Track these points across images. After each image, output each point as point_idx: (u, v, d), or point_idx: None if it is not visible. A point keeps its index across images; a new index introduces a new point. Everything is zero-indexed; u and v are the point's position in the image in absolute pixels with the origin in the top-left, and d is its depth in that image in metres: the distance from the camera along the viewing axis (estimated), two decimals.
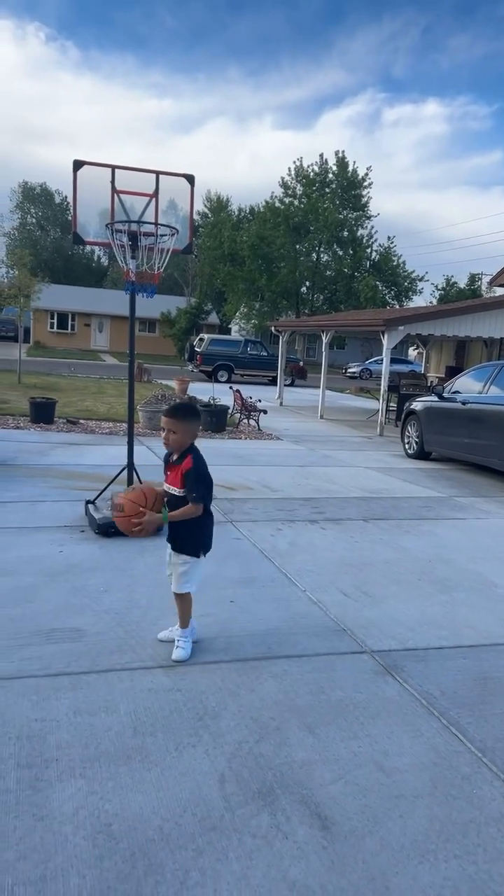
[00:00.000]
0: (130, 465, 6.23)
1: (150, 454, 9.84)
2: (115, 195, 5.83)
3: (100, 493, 6.54)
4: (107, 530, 5.94)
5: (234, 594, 4.77)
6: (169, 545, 3.86)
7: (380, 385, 15.69)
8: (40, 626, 4.04)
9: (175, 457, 3.75)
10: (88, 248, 69.69)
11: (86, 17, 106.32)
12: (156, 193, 5.95)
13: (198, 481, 3.63)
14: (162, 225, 5.65)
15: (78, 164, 5.74)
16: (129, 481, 6.20)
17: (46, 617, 4.19)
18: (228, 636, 4.06)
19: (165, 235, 5.65)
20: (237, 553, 5.72)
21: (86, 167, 5.80)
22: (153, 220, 5.81)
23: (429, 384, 17.95)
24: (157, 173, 5.96)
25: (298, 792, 2.68)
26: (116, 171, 5.86)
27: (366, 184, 42.24)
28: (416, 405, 11.74)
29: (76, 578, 4.88)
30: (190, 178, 6.06)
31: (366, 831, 2.49)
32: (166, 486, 3.78)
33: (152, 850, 2.32)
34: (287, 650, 3.94)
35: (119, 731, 3.02)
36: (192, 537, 3.76)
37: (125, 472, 6.39)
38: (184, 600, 3.84)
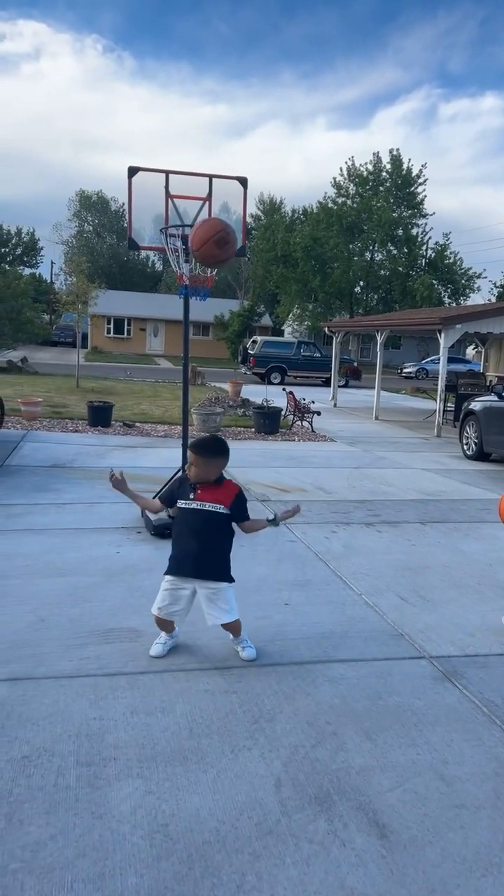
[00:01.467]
0: (184, 467, 6.27)
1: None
2: (169, 200, 5.90)
3: (156, 495, 6.59)
4: (163, 532, 6.00)
5: (288, 597, 4.74)
6: (182, 581, 3.73)
7: (436, 385, 15.40)
8: (98, 626, 4.10)
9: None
10: (143, 253, 70.80)
11: (141, 27, 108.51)
12: (209, 197, 5.99)
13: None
14: None
15: (133, 171, 5.83)
16: None
17: (104, 617, 4.25)
18: (283, 639, 4.04)
19: None
20: (291, 555, 5.69)
21: (140, 173, 5.87)
22: None
23: (488, 383, 17.53)
24: (210, 177, 6.00)
25: (356, 798, 2.64)
26: (170, 176, 5.92)
27: (420, 180, 41.59)
28: (476, 405, 11.47)
29: (133, 579, 4.94)
30: (243, 181, 6.07)
31: (426, 841, 2.43)
32: (207, 505, 3.62)
33: (209, 852, 2.32)
34: (343, 654, 3.89)
35: (175, 731, 3.04)
36: (226, 561, 3.75)
37: (179, 473, 6.43)
38: (234, 626, 3.76)
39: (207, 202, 5.96)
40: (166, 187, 5.89)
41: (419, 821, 2.54)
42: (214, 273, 5.66)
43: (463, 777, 2.81)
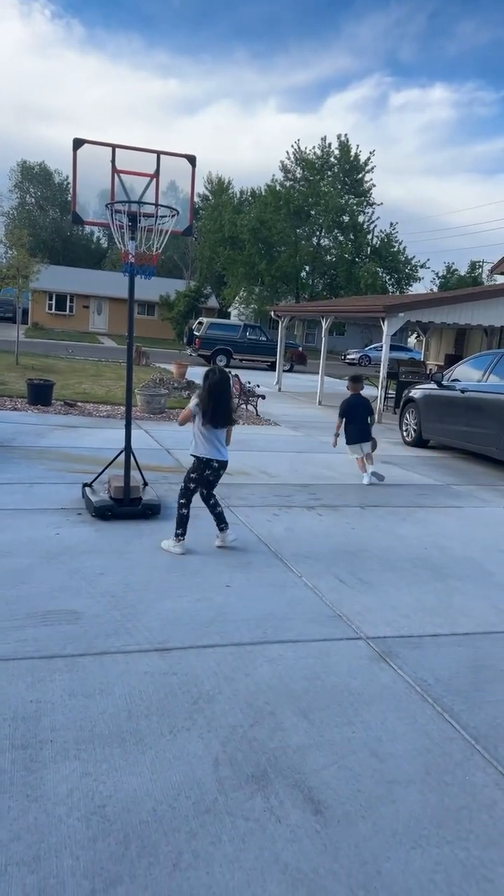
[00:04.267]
0: (128, 449, 6.21)
1: (149, 438, 9.82)
2: (116, 175, 5.76)
3: (97, 476, 6.52)
4: (104, 513, 5.93)
5: (230, 579, 4.77)
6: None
7: (379, 372, 15.64)
8: (36, 608, 4.04)
9: None
10: (88, 229, 69.13)
11: None
12: (156, 174, 5.88)
13: None
14: (162, 206, 5.59)
15: (78, 143, 5.66)
16: (127, 465, 6.18)
17: (42, 599, 4.19)
18: (224, 621, 4.07)
19: (166, 217, 5.59)
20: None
21: (86, 146, 5.71)
22: (153, 201, 5.74)
23: (428, 372, 17.91)
24: (159, 153, 5.88)
25: (292, 776, 2.69)
26: (117, 150, 5.78)
27: (368, 168, 41.89)
28: (415, 393, 11.72)
29: (72, 561, 4.88)
30: (191, 159, 5.98)
31: (358, 816, 2.51)
32: None
33: (146, 832, 2.33)
34: (282, 635, 3.94)
35: (114, 713, 3.03)
36: None
37: (122, 455, 6.36)
38: None
39: (155, 179, 5.85)
40: (113, 161, 5.75)
41: (352, 796, 2.61)
42: (160, 251, 5.58)
43: (396, 754, 2.90)
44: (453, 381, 10.78)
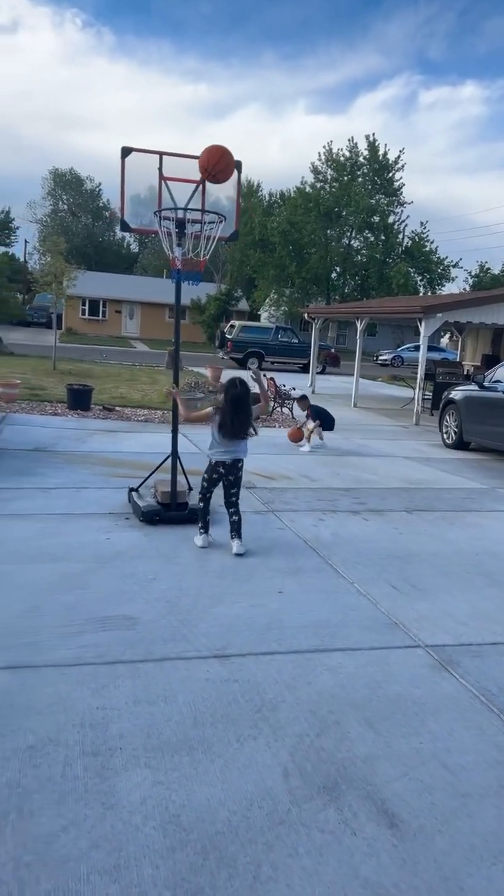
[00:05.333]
0: (175, 454, 6.23)
1: (187, 442, 9.85)
2: (163, 182, 5.80)
3: (143, 481, 6.56)
4: (151, 518, 5.97)
5: (281, 584, 4.75)
6: None
7: (413, 373, 15.52)
8: (94, 613, 4.07)
9: None
10: (119, 234, 69.80)
11: (122, 2, 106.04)
12: (203, 180, 5.89)
13: None
14: (210, 212, 5.60)
15: (126, 151, 5.71)
16: (174, 470, 6.20)
17: (99, 604, 4.22)
18: (280, 627, 4.05)
19: (213, 223, 5.61)
20: (281, 543, 5.70)
21: (134, 154, 5.76)
22: (200, 207, 5.76)
23: (465, 372, 17.71)
24: None
25: (363, 787, 2.67)
26: (164, 157, 5.81)
27: (398, 167, 41.56)
28: (456, 394, 11.58)
29: (124, 566, 4.91)
30: (237, 165, 5.98)
31: (435, 830, 2.47)
32: None
33: (222, 842, 2.33)
34: (340, 643, 3.92)
35: (179, 721, 3.03)
36: None
37: (168, 460, 6.39)
38: None
39: (201, 185, 5.87)
40: (160, 169, 5.79)
41: (427, 809, 2.57)
42: (206, 257, 5.59)
43: (466, 766, 2.85)
44: (495, 382, 10.63)
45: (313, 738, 2.97)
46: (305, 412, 11.15)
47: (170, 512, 6.06)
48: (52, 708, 3.05)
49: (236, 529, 5.40)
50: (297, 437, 10.74)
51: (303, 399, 11.49)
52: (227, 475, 5.40)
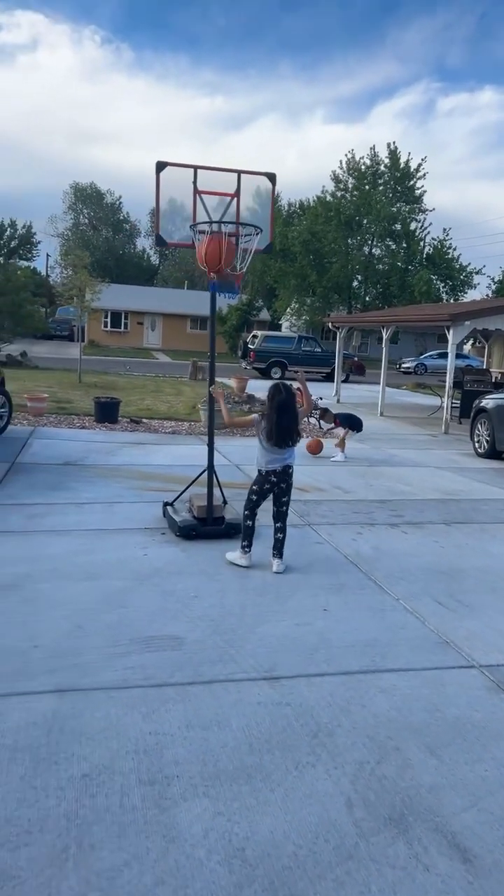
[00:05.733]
0: (211, 468, 6.17)
1: (219, 455, 9.79)
2: (197, 196, 5.77)
3: (178, 496, 6.51)
4: (188, 533, 5.91)
5: (326, 602, 4.66)
6: None
7: (439, 381, 15.35)
8: (138, 633, 4.01)
9: None
10: (139, 246, 70.44)
11: (140, 19, 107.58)
12: (237, 193, 5.87)
13: None
14: (246, 224, 5.56)
15: (161, 166, 5.70)
16: (210, 484, 6.14)
17: (142, 623, 4.16)
18: (328, 647, 3.96)
19: (249, 235, 5.57)
20: (321, 558, 5.61)
21: (168, 168, 5.75)
22: (235, 220, 5.73)
23: (494, 380, 17.49)
24: (239, 172, 5.88)
25: (431, 819, 2.56)
26: (198, 171, 5.79)
27: (419, 174, 41.43)
28: (488, 402, 11.41)
29: (165, 583, 4.85)
30: (271, 177, 5.96)
31: None
32: None
33: (290, 879, 2.24)
34: (391, 663, 3.81)
35: (234, 747, 2.95)
36: None
37: (205, 474, 6.34)
38: None
39: (236, 198, 5.85)
40: (194, 183, 5.77)
41: (501, 843, 2.46)
42: (244, 270, 5.55)
43: None
44: None
45: (374, 766, 2.87)
46: (332, 423, 11.04)
47: (206, 527, 6.00)
48: (104, 734, 2.99)
49: (279, 548, 5.26)
50: (316, 448, 10.58)
51: (325, 412, 11.34)
52: (279, 483, 5.25)
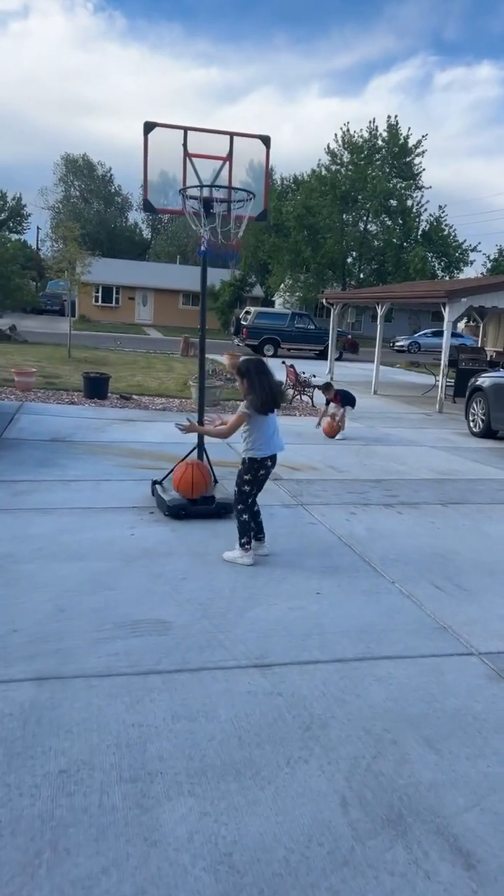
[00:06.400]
0: (200, 446, 5.98)
1: None
2: (187, 159, 5.50)
3: (168, 473, 6.30)
4: (178, 512, 5.72)
5: (319, 585, 4.49)
6: None
7: (433, 359, 15.14)
8: (124, 617, 3.83)
9: None
10: (131, 220, 69.33)
11: None
12: (230, 157, 5.60)
13: None
14: (238, 189, 5.30)
15: (149, 126, 5.41)
16: (200, 461, 5.95)
17: (128, 606, 3.98)
18: (322, 633, 3.80)
19: (241, 201, 5.31)
20: (314, 539, 5.44)
21: (156, 129, 5.46)
22: (228, 185, 5.46)
23: (489, 358, 17.29)
24: (232, 134, 5.60)
25: (431, 820, 2.41)
26: (188, 133, 5.51)
27: (418, 151, 40.76)
28: (484, 381, 11.22)
29: (153, 564, 4.67)
30: (265, 140, 5.68)
31: None
32: None
33: (282, 887, 2.08)
34: (387, 650, 3.65)
35: (223, 740, 2.79)
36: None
37: (195, 452, 6.14)
38: None
39: (228, 162, 5.57)
40: (184, 145, 5.49)
41: None
42: (239, 236, 5.30)
43: None
44: None
45: (370, 761, 2.71)
46: (330, 399, 10.71)
47: (196, 506, 5.81)
48: (83, 725, 2.82)
49: (262, 528, 5.05)
50: (333, 431, 10.28)
51: (328, 387, 10.93)
52: (271, 468, 4.91)
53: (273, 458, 4.87)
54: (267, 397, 4.70)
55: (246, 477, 4.84)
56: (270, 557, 4.93)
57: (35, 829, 2.24)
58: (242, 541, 4.84)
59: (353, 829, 2.34)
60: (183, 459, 6.26)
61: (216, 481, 6.29)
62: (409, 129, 40.67)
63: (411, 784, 2.59)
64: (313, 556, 5.02)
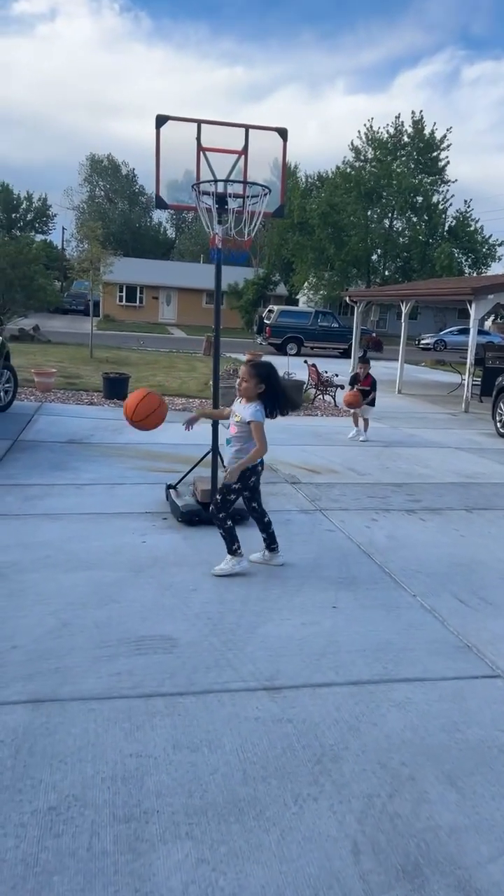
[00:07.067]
0: (215, 450, 5.79)
1: (223, 432, 9.40)
2: (201, 153, 5.31)
3: (182, 478, 6.14)
4: (191, 519, 5.54)
5: (335, 598, 4.27)
6: None
7: (458, 357, 14.78)
8: (128, 633, 3.66)
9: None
10: (156, 219, 69.54)
11: None
12: (245, 150, 5.39)
13: None
14: (253, 184, 5.10)
15: (161, 120, 5.23)
16: (214, 466, 5.76)
17: (134, 621, 3.80)
18: (336, 652, 3.58)
19: (257, 196, 5.10)
20: (332, 548, 5.22)
21: (170, 123, 5.27)
22: (242, 180, 5.26)
23: None
24: (247, 127, 5.39)
25: (452, 872, 2.19)
26: (203, 126, 5.31)
27: (444, 146, 40.13)
28: None
29: (162, 574, 4.49)
30: (283, 133, 5.47)
31: None
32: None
33: None
34: (406, 671, 3.43)
35: (226, 773, 2.59)
36: None
37: (208, 455, 5.96)
38: None
39: (243, 156, 5.37)
40: (198, 139, 5.30)
41: None
42: (252, 234, 5.10)
43: None
44: None
45: (385, 801, 2.49)
46: (361, 378, 10.06)
47: (210, 512, 5.62)
48: (78, 755, 2.64)
49: (275, 538, 4.78)
50: (354, 401, 9.75)
51: (364, 361, 10.47)
52: (261, 473, 4.70)
53: (262, 462, 4.66)
54: (284, 402, 4.55)
55: (235, 486, 4.51)
56: (285, 568, 4.73)
57: (17, 877, 2.07)
58: (234, 546, 4.55)
59: (365, 881, 2.13)
60: (198, 462, 6.09)
61: None
62: (434, 123, 40.03)
63: (430, 828, 2.37)
64: (330, 566, 4.80)
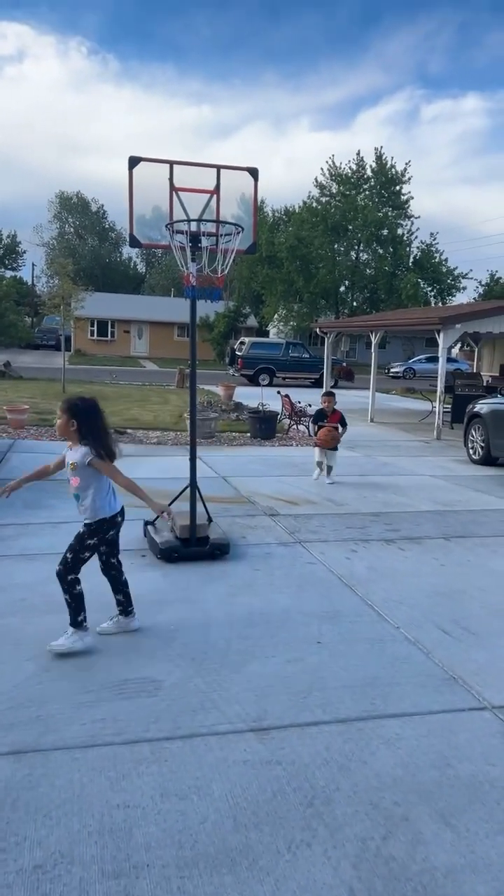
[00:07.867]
0: (193, 484, 5.76)
1: (202, 465, 9.38)
2: (174, 193, 5.37)
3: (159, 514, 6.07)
4: (170, 555, 5.49)
5: (319, 632, 4.25)
6: None
7: (427, 385, 15.03)
8: (111, 676, 3.58)
9: None
10: (126, 254, 70.04)
11: (126, 30, 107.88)
12: (217, 190, 5.48)
13: None
14: (226, 223, 5.17)
15: (134, 161, 5.30)
16: (193, 502, 5.73)
17: (116, 664, 3.73)
18: (323, 689, 3.54)
19: (230, 234, 5.17)
20: (313, 580, 5.20)
21: (142, 164, 5.35)
22: (215, 219, 5.33)
23: (486, 384, 17.18)
24: (219, 167, 5.48)
25: None
26: (175, 167, 5.40)
27: (405, 179, 41.23)
28: (482, 407, 11.06)
29: (143, 614, 4.41)
30: (253, 172, 5.57)
31: None
32: None
33: None
34: (394, 707, 3.40)
35: (216, 822, 2.53)
36: None
37: (188, 490, 5.92)
38: None
39: (215, 195, 5.45)
40: (171, 179, 5.37)
41: None
42: (225, 272, 5.15)
43: None
44: None
45: (380, 843, 2.45)
46: (328, 413, 9.36)
47: (189, 548, 5.58)
48: (63, 808, 2.56)
49: (130, 599, 4.26)
50: (331, 439, 8.93)
51: (329, 397, 9.64)
52: (121, 525, 4.23)
53: (122, 510, 4.19)
54: (110, 440, 4.05)
55: (90, 542, 4.00)
56: (268, 603, 4.69)
57: None
58: (79, 618, 3.89)
59: None
60: (176, 497, 6.05)
61: (210, 520, 6.06)
62: (392, 157, 41.03)
63: (426, 870, 2.33)
64: (312, 600, 4.78)
